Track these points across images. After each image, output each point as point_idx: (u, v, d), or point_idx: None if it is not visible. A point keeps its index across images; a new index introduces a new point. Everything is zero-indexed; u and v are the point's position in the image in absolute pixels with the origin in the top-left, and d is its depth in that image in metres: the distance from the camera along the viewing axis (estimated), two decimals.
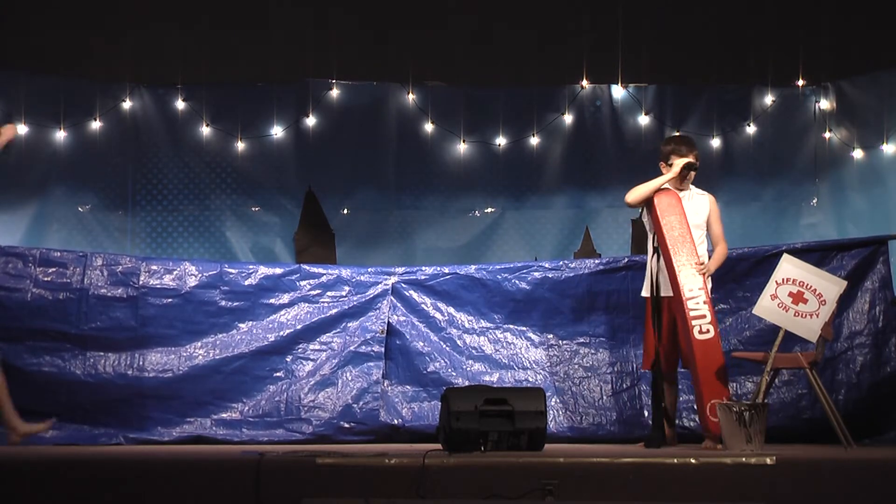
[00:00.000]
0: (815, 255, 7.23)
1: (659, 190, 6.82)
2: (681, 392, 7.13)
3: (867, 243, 7.51)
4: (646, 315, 6.89)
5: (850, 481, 5.24)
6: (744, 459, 5.30)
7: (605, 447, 6.87)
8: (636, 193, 6.89)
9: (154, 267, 7.45)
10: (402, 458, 5.28)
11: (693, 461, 5.26)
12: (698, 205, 6.89)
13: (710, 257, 6.87)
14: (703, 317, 6.59)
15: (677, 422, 7.13)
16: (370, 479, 5.19)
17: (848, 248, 7.47)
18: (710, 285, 6.80)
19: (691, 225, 6.79)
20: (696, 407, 7.03)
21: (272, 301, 7.53)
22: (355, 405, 7.36)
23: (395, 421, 7.37)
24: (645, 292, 6.90)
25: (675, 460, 5.30)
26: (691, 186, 6.95)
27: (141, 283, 7.38)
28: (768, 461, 5.25)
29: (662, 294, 6.69)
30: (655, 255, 6.76)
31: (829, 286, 6.52)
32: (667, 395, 6.78)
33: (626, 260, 7.69)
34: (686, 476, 5.22)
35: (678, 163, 6.84)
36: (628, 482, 5.19)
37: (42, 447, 6.85)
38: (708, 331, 6.58)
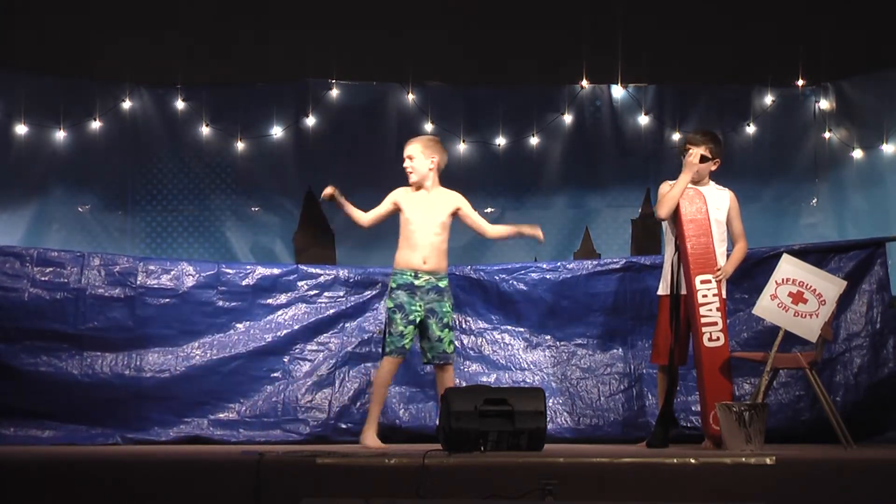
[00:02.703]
0: (813, 257, 7.20)
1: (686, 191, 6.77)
2: (679, 393, 7.11)
3: (864, 245, 7.49)
4: (659, 312, 6.87)
5: (850, 481, 5.22)
6: (744, 459, 5.29)
7: (605, 447, 6.86)
8: (665, 206, 6.76)
9: (151, 267, 7.44)
10: (402, 458, 5.27)
11: (693, 461, 5.25)
12: (717, 200, 6.82)
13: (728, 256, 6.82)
14: (715, 324, 6.57)
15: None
16: (370, 479, 5.17)
17: (845, 251, 7.45)
18: (725, 287, 6.75)
19: (711, 220, 6.73)
20: (696, 409, 7.03)
21: (270, 301, 7.52)
22: (353, 406, 7.35)
23: (393, 422, 7.35)
24: (662, 290, 6.85)
25: (675, 460, 5.29)
26: (711, 182, 6.89)
27: (138, 283, 7.37)
28: (768, 461, 5.25)
29: (682, 292, 6.68)
30: (676, 253, 6.73)
31: (829, 286, 6.51)
32: (665, 386, 6.76)
33: (625, 261, 7.66)
34: (686, 476, 5.21)
35: (693, 155, 6.77)
36: (628, 482, 5.18)
37: (40, 447, 6.85)
38: (718, 338, 6.56)
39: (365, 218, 7.04)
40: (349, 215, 7.08)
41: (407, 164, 6.94)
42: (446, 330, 6.81)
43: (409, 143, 7.03)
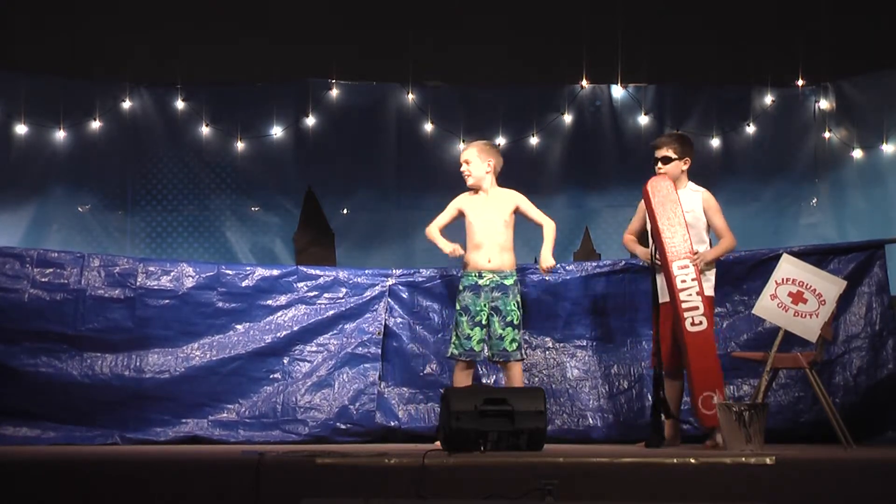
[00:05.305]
0: (812, 258, 7.16)
1: (654, 176, 6.81)
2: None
3: (864, 248, 7.47)
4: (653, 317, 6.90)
5: (850, 481, 5.22)
6: (743, 459, 5.29)
7: (605, 447, 6.86)
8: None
9: (151, 268, 7.44)
10: (401, 458, 5.27)
11: (693, 461, 5.25)
12: (689, 203, 6.79)
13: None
14: (696, 308, 6.56)
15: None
16: (370, 479, 5.17)
17: (845, 252, 7.43)
18: (711, 276, 6.73)
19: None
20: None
21: (269, 302, 7.51)
22: (351, 406, 7.34)
23: (392, 422, 7.35)
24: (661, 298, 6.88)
25: (675, 460, 5.28)
26: (688, 183, 6.90)
27: (138, 284, 7.37)
28: (768, 461, 5.24)
29: (661, 300, 6.70)
30: (653, 257, 6.74)
31: (829, 286, 6.50)
32: (669, 390, 6.77)
33: (624, 263, 7.65)
34: (686, 476, 5.20)
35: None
36: (628, 482, 5.17)
37: (40, 447, 6.84)
38: (700, 322, 6.54)
39: (437, 233, 7.14)
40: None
41: (464, 168, 7.11)
42: (509, 328, 6.88)
43: (465, 148, 7.28)
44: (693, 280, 6.59)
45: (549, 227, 7.10)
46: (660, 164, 6.86)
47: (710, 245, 6.83)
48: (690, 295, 6.58)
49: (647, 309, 7.29)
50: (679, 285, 6.59)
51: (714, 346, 6.56)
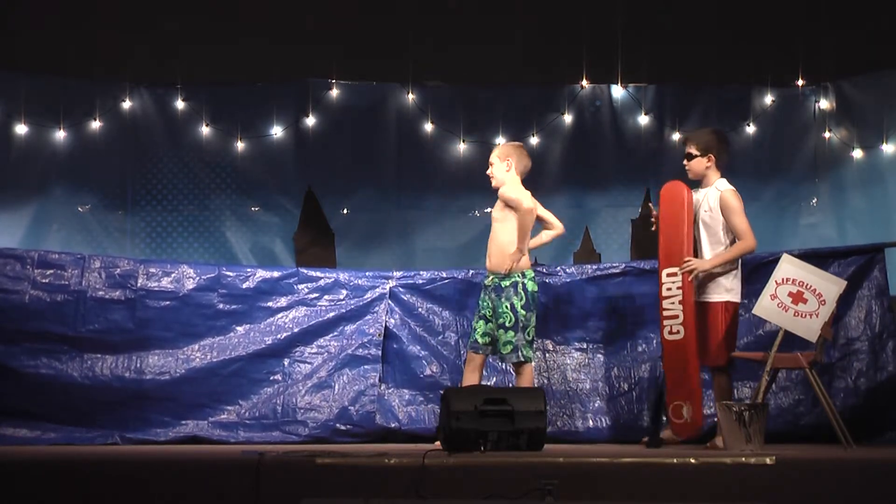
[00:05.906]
0: (812, 261, 7.12)
1: (668, 182, 6.83)
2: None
3: (864, 251, 7.46)
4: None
5: (850, 481, 5.23)
6: (743, 459, 5.30)
7: (606, 447, 6.86)
8: None
9: (152, 269, 7.44)
10: (401, 458, 5.28)
11: (693, 461, 5.26)
12: (710, 201, 6.70)
13: None
14: (676, 317, 6.57)
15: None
16: (370, 479, 5.18)
17: (844, 256, 7.40)
18: (726, 283, 6.64)
19: (699, 221, 6.69)
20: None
21: (270, 304, 7.52)
22: (351, 408, 7.34)
23: (392, 424, 7.35)
24: None
25: (675, 460, 5.29)
26: (719, 180, 6.74)
27: (139, 285, 7.37)
28: (768, 461, 5.25)
29: None
30: None
31: (829, 286, 6.50)
32: None
33: (624, 265, 7.65)
34: (686, 476, 5.21)
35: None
36: (628, 482, 5.18)
37: (40, 447, 6.85)
38: (678, 332, 6.55)
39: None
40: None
41: (489, 170, 7.09)
42: (501, 331, 6.84)
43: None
44: (679, 289, 6.58)
45: (551, 229, 7.15)
46: (685, 161, 6.83)
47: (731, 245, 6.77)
48: (673, 303, 6.59)
49: (647, 311, 7.30)
50: (664, 292, 6.63)
51: (693, 357, 6.55)
